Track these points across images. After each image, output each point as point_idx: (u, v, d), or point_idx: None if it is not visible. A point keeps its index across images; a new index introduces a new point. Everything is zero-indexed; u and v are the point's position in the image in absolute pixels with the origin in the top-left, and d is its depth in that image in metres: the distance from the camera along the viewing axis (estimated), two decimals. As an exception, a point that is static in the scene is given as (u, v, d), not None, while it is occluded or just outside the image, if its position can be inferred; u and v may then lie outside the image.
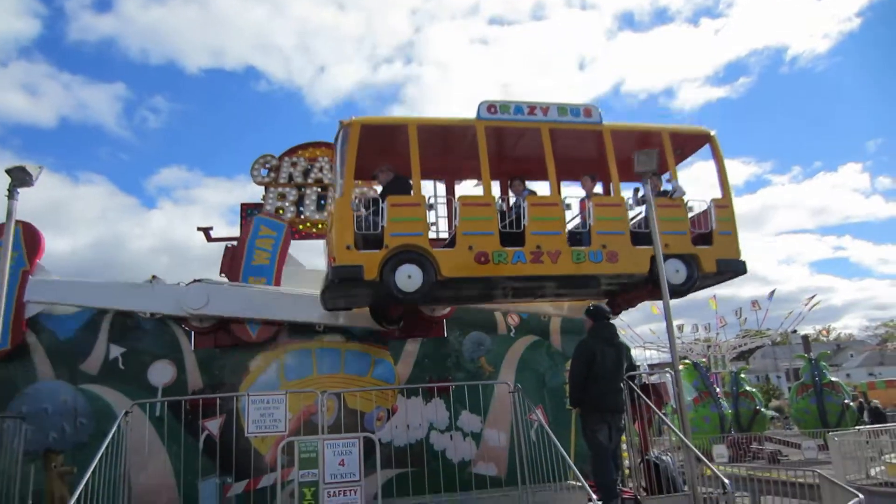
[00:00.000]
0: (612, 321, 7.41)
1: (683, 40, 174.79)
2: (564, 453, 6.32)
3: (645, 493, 7.05)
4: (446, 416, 9.28)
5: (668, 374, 8.50)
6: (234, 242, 9.88)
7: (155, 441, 8.01)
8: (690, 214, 8.42)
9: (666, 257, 7.65)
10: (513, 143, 8.56)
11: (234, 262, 9.56)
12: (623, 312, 9.76)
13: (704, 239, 8.35)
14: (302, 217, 10.64)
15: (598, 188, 8.94)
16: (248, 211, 10.62)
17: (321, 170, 10.91)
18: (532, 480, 6.72)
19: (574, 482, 7.13)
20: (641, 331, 36.48)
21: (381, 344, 9.60)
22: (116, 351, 8.98)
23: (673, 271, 7.82)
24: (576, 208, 8.42)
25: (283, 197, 10.65)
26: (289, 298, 9.22)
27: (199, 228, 10.48)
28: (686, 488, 7.11)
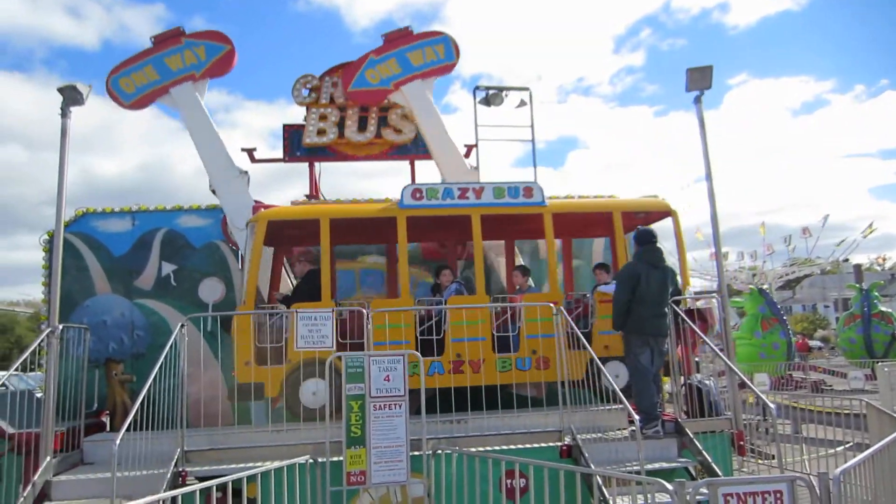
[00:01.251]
0: (658, 244, 7.25)
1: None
2: (607, 374, 6.33)
3: (686, 417, 7.08)
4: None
5: (714, 299, 8.36)
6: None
7: (207, 354, 8.33)
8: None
9: (604, 361, 6.93)
10: (445, 226, 8.06)
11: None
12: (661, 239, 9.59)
13: None
14: (343, 139, 10.54)
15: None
16: (291, 133, 10.59)
17: (363, 90, 10.69)
18: (572, 402, 6.79)
19: (615, 404, 7.22)
20: (682, 258, 35.95)
21: (424, 266, 9.66)
22: (168, 268, 9.29)
23: (614, 376, 6.69)
24: None
25: (324, 118, 10.53)
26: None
27: (242, 149, 10.52)
28: (728, 413, 7.12)
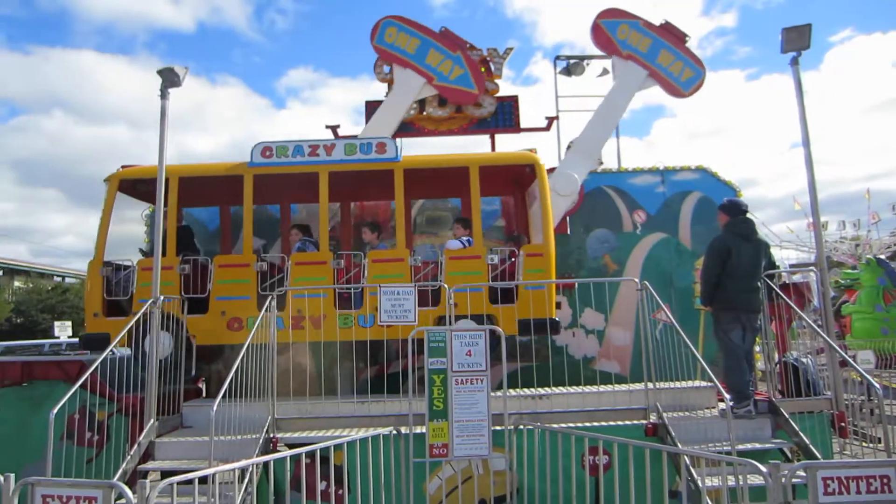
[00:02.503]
0: (749, 215, 6.88)
1: None
2: (695, 350, 6.13)
3: (781, 396, 6.77)
4: (569, 314, 9.27)
5: (812, 273, 7.91)
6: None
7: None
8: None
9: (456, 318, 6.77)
10: (298, 186, 7.84)
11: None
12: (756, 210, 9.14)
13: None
14: (424, 114, 10.55)
15: None
16: (373, 109, 10.69)
17: (443, 65, 10.64)
18: (658, 378, 6.62)
19: (703, 381, 6.98)
20: (778, 229, 34.22)
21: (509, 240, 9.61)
22: (258, 243, 9.63)
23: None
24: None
25: (405, 93, 10.55)
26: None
27: (327, 126, 10.70)
28: (827, 392, 6.75)
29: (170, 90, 6.87)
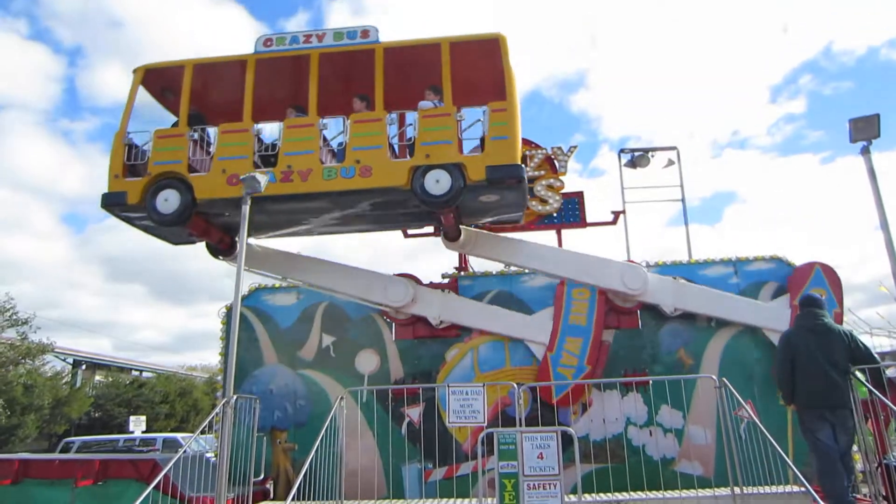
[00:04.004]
0: (817, 308, 6.53)
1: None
2: (782, 452, 5.75)
3: (885, 502, 6.20)
4: (645, 411, 8.91)
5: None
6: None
7: (363, 425, 8.60)
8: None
9: (427, 168, 7.52)
10: (292, 73, 8.57)
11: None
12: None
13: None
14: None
15: None
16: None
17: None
18: (745, 482, 6.20)
19: (795, 486, 6.50)
20: (867, 315, 32.32)
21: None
22: (328, 340, 9.81)
23: (433, 182, 7.50)
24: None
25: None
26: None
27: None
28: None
29: (249, 196, 7.27)
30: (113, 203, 7.97)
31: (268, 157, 8.03)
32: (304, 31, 8.50)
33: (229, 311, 9.35)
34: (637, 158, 11.68)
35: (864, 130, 6.79)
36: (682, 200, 11.64)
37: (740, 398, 6.63)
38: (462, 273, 10.32)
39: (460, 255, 10.94)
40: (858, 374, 6.35)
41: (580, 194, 10.90)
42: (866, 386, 6.43)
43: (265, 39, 8.44)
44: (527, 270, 9.71)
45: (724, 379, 6.98)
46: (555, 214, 10.73)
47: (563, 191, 10.76)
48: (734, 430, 6.39)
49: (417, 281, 9.62)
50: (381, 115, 8.02)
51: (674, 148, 11.81)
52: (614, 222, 10.87)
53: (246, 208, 7.20)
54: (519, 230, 10.82)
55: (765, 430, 5.89)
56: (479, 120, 7.90)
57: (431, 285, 9.83)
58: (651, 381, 8.57)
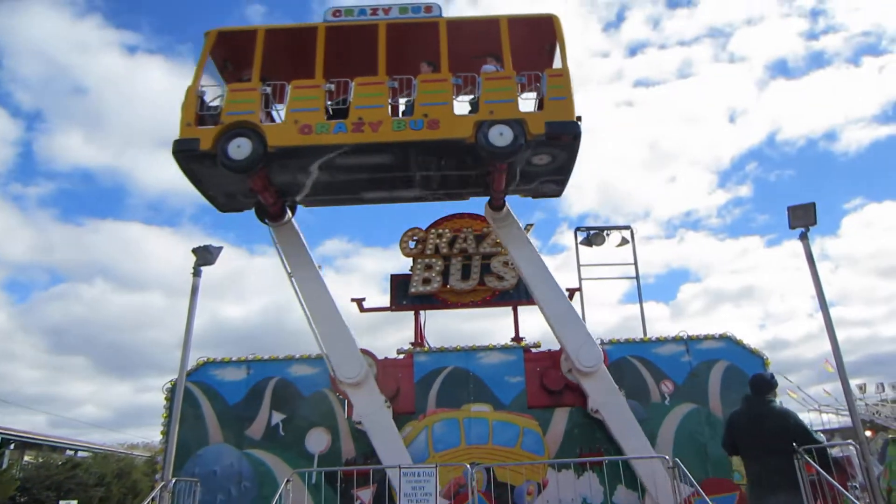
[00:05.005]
0: (762, 392, 6.58)
1: (844, 81, 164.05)
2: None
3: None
4: (601, 491, 8.78)
5: (851, 447, 7.44)
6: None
7: (312, 507, 8.22)
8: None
9: (491, 123, 8.05)
10: (358, 40, 9.03)
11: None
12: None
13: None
14: (448, 286, 10.80)
15: None
16: (398, 282, 10.99)
17: (465, 240, 11.09)
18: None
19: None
20: (816, 391, 32.88)
21: (528, 414, 9.37)
22: (278, 417, 9.47)
23: (497, 135, 8.03)
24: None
25: (429, 268, 10.91)
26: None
27: (352, 300, 10.95)
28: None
29: (202, 268, 7.15)
30: (185, 148, 8.18)
31: (338, 110, 8.50)
32: (371, 5, 9.12)
33: (174, 386, 9.00)
34: (593, 237, 11.98)
35: (802, 217, 7.09)
36: (637, 278, 11.91)
37: (692, 479, 6.58)
38: (418, 349, 10.21)
39: (416, 330, 10.88)
40: (803, 454, 6.37)
41: (536, 271, 11.02)
42: (814, 466, 6.46)
43: (334, 10, 9.03)
44: (484, 346, 9.73)
45: (677, 459, 6.94)
46: (511, 291, 10.81)
47: (520, 268, 10.86)
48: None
49: (374, 358, 9.45)
50: (447, 77, 8.57)
51: (628, 227, 12.18)
52: (570, 299, 10.98)
53: (197, 280, 7.08)
54: (472, 306, 10.88)
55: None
56: (537, 84, 8.79)
57: (386, 360, 9.69)
58: (606, 461, 8.47)
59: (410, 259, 10.97)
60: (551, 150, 8.49)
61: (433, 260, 10.95)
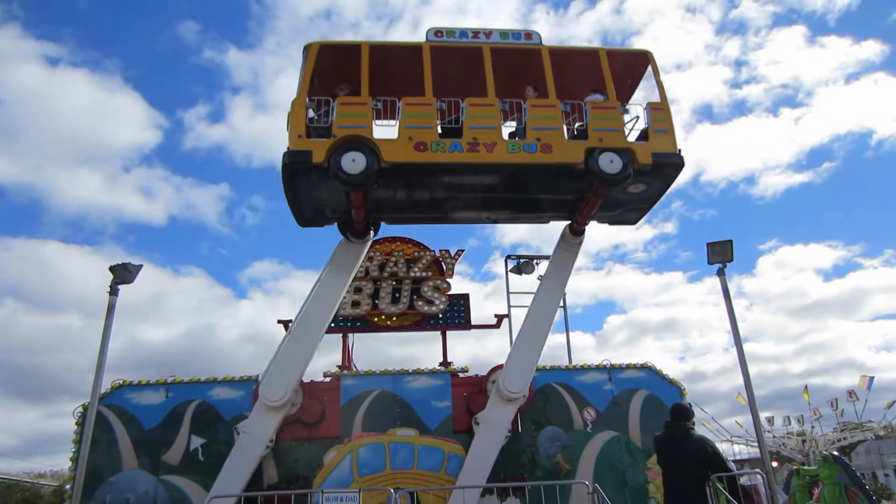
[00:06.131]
0: (680, 419, 6.90)
1: (763, 129, 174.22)
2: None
3: None
4: (522, 518, 8.88)
5: (758, 476, 7.83)
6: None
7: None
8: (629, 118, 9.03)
9: (601, 150, 8.39)
10: (459, 61, 9.18)
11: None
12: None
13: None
14: (377, 310, 10.79)
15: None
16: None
17: (396, 264, 11.12)
18: None
19: None
20: (728, 423, 34.38)
21: (454, 439, 9.42)
22: (197, 442, 9.17)
23: (608, 162, 8.36)
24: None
25: (359, 290, 10.87)
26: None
27: (279, 321, 10.77)
28: None
29: (119, 287, 6.91)
30: (298, 160, 8.05)
31: (447, 129, 8.55)
32: (472, 28, 9.27)
33: (86, 410, 8.60)
34: (522, 265, 12.21)
35: (720, 254, 7.49)
36: (564, 308, 12.18)
37: (611, 504, 6.72)
38: (345, 372, 10.12)
39: (344, 352, 10.80)
40: (715, 481, 6.66)
41: (466, 296, 11.17)
42: (724, 493, 6.75)
43: (436, 31, 9.10)
44: (411, 370, 9.76)
45: (597, 485, 7.11)
46: (440, 315, 10.89)
47: (450, 292, 10.98)
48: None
49: (301, 381, 9.30)
50: (556, 102, 8.82)
51: (552, 256, 12.47)
52: (498, 325, 11.15)
53: (114, 298, 6.84)
54: (401, 330, 10.90)
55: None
56: (637, 116, 9.05)
57: (312, 384, 9.56)
58: (528, 486, 8.59)
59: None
60: (649, 180, 8.87)
61: (363, 283, 10.93)
